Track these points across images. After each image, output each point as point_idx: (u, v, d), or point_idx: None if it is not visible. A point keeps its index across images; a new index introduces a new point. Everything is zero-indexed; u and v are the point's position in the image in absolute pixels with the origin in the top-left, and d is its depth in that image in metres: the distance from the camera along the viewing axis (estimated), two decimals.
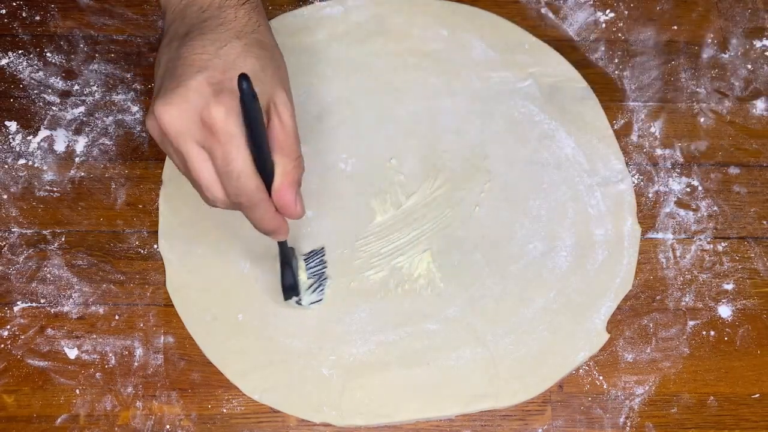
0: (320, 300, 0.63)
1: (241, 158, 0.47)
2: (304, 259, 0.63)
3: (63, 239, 0.65)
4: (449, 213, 0.66)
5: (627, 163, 0.68)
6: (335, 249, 0.65)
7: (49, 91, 0.70)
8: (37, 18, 0.73)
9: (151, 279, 0.64)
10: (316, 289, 0.63)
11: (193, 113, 0.48)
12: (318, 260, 0.64)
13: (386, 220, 0.66)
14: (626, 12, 0.75)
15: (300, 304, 0.62)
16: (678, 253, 0.66)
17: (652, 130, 0.70)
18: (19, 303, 0.63)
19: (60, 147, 0.69)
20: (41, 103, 0.70)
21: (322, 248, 0.64)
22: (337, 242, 0.65)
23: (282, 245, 0.59)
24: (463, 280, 0.64)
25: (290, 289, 0.61)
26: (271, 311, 0.63)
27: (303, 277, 0.62)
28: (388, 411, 0.60)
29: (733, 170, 0.69)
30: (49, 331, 0.62)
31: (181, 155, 0.50)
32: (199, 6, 0.54)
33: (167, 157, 0.68)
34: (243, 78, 0.44)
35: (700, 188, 0.68)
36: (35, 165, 0.68)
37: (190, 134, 0.48)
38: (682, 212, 0.67)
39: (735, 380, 0.62)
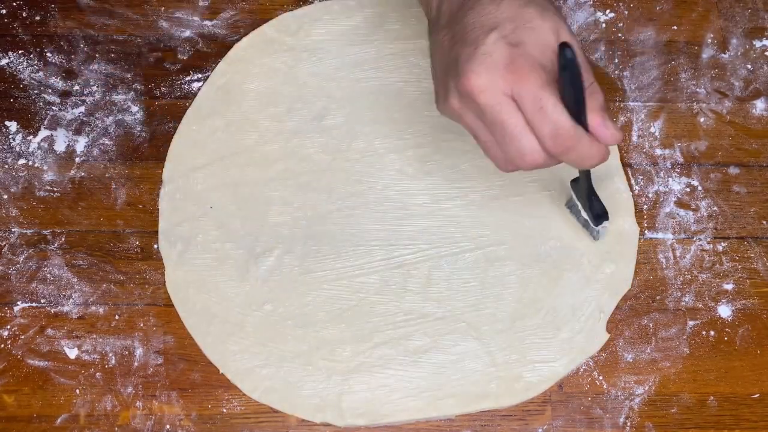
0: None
1: (550, 94, 0.48)
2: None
3: (63, 239, 0.65)
4: (449, 212, 0.66)
5: (627, 163, 0.68)
6: (336, 248, 0.65)
7: (49, 91, 0.71)
8: (37, 18, 0.73)
9: (151, 279, 0.64)
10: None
11: (500, 68, 0.49)
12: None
13: (389, 219, 0.66)
14: (626, 12, 0.75)
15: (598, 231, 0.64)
16: (678, 253, 0.66)
17: (652, 130, 0.70)
18: (19, 303, 0.63)
19: (60, 147, 0.69)
20: (41, 103, 0.70)
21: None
22: (338, 241, 0.65)
23: (588, 173, 0.60)
24: (464, 279, 0.64)
25: (603, 216, 0.62)
26: (270, 311, 0.63)
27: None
28: (388, 411, 0.60)
29: (733, 170, 0.69)
30: (49, 331, 0.63)
31: (492, 111, 0.50)
32: None
33: (167, 157, 0.68)
34: (565, 46, 0.47)
35: (699, 188, 0.68)
36: (35, 165, 0.68)
37: (499, 89, 0.49)
38: (681, 212, 0.67)
39: (735, 380, 0.62)
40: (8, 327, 0.63)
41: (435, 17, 0.57)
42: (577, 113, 0.50)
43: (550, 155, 0.51)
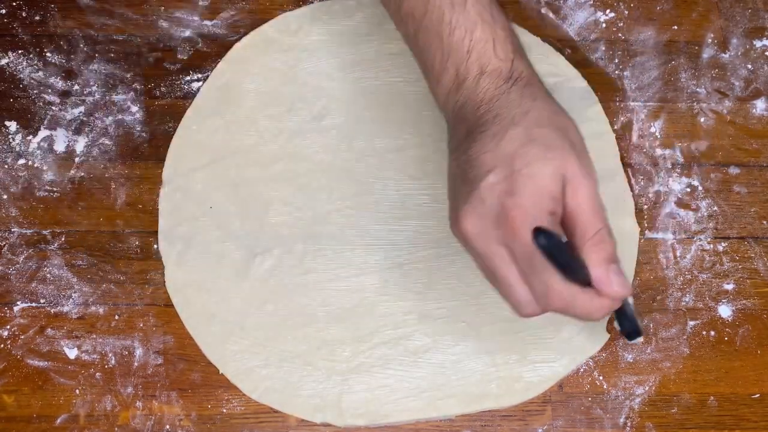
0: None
1: (540, 252, 0.47)
2: None
3: (63, 239, 0.65)
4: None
5: (627, 163, 0.68)
6: (335, 248, 0.65)
7: (49, 91, 0.70)
8: (37, 18, 0.73)
9: (151, 279, 0.64)
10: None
11: (491, 218, 0.48)
12: None
13: (389, 219, 0.66)
14: (626, 12, 0.75)
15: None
16: (678, 253, 0.66)
17: (652, 130, 0.70)
18: (19, 303, 0.63)
19: (60, 147, 0.69)
20: (41, 103, 0.70)
21: None
22: (338, 241, 0.65)
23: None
24: (463, 279, 0.64)
25: (633, 334, 0.57)
26: (270, 311, 0.63)
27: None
28: (388, 411, 0.60)
29: (733, 170, 0.69)
30: (49, 331, 0.63)
31: (485, 258, 0.50)
32: (472, 104, 0.54)
33: (167, 157, 0.68)
34: (538, 233, 0.46)
35: (700, 188, 0.68)
36: (35, 165, 0.68)
37: (491, 236, 0.48)
38: (682, 212, 0.67)
39: (735, 380, 0.62)
40: (8, 327, 0.63)
41: (449, 137, 0.56)
42: (573, 269, 0.48)
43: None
